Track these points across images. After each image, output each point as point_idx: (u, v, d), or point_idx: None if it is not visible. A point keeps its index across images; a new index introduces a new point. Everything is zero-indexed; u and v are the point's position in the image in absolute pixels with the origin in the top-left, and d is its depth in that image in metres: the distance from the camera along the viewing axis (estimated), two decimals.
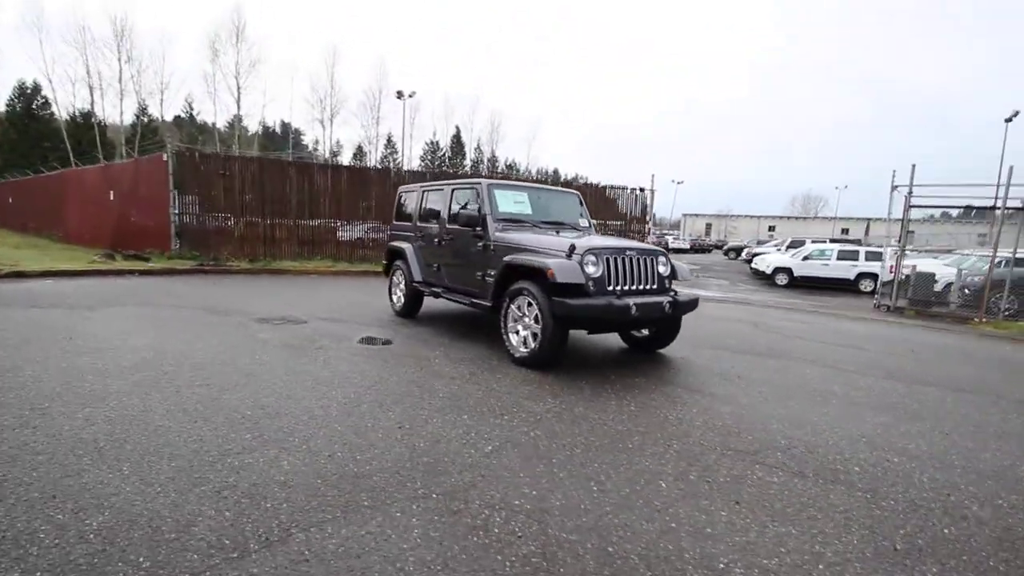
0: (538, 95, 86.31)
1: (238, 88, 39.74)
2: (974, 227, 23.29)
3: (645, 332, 5.45)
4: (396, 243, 6.99)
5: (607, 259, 4.48)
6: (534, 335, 4.50)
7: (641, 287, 4.68)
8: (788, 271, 17.41)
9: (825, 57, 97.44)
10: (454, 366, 4.52)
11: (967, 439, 3.33)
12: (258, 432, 2.93)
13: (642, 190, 14.95)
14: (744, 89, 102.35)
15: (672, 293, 4.87)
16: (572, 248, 4.39)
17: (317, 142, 55.70)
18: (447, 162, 50.65)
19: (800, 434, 3.27)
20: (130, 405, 3.25)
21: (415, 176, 14.96)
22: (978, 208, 11.66)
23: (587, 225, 5.99)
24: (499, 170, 49.56)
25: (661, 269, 4.87)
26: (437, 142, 51.36)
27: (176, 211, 11.93)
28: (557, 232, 5.26)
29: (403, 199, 7.15)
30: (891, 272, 12.56)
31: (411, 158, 48.85)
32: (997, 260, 12.93)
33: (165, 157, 11.67)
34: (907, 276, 11.41)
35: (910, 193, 11.06)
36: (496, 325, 4.96)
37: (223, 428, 2.96)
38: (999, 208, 9.60)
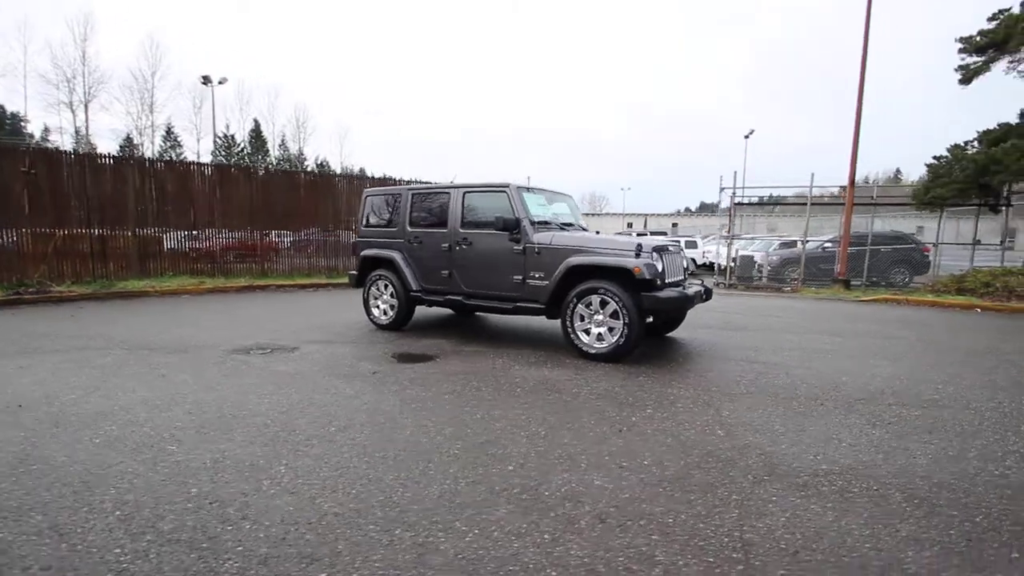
0: (349, 92, 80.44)
1: None
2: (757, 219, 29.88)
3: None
4: (374, 251, 6.38)
5: (661, 255, 4.96)
6: (610, 330, 4.74)
7: (679, 279, 5.28)
8: None
9: (603, 84, 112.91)
10: (543, 370, 4.48)
11: (952, 368, 4.71)
12: (529, 485, 2.67)
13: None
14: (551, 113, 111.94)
15: (700, 282, 5.59)
16: (640, 247, 4.75)
17: (47, 130, 43.88)
18: (246, 158, 44.79)
19: (869, 380, 4.21)
20: (320, 475, 2.60)
21: (282, 176, 13.21)
22: (786, 204, 15.24)
23: (584, 224, 6.36)
24: (308, 167, 45.77)
25: (685, 262, 5.55)
26: (233, 136, 44.88)
27: None
28: (597, 232, 5.54)
29: (375, 204, 6.53)
30: (704, 256, 15.83)
31: (200, 152, 41.87)
32: (781, 244, 17.21)
33: None
34: (734, 259, 14.44)
35: (734, 194, 14.02)
36: (502, 323, 5.03)
37: (488, 481, 2.62)
38: (807, 202, 12.85)
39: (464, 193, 5.71)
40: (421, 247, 5.99)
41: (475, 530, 2.06)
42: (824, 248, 14.74)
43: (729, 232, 14.50)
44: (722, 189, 14.14)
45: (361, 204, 6.67)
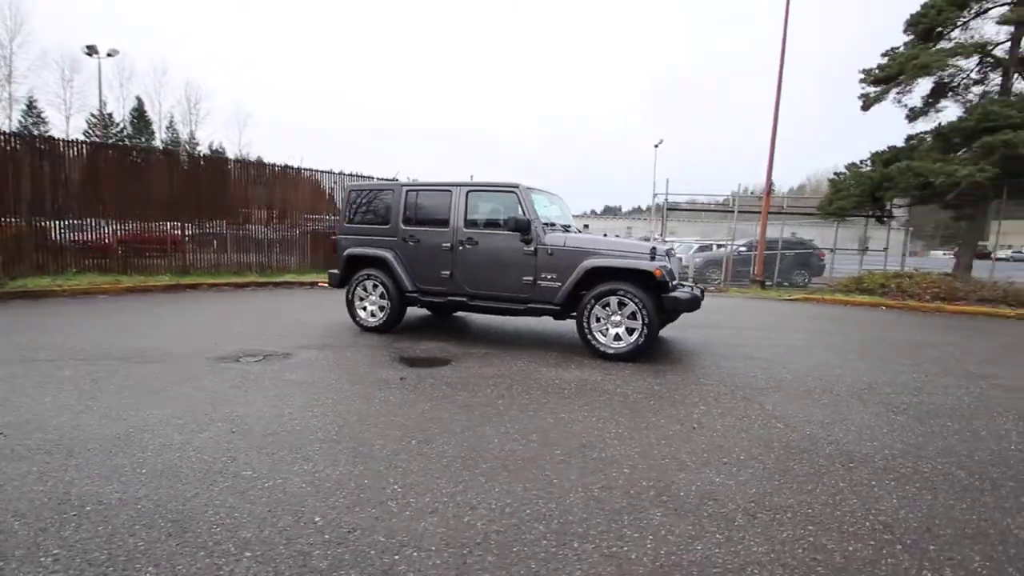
0: (249, 72, 72.24)
1: None
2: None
3: None
4: (361, 249, 6.01)
5: (668, 258, 5.20)
6: (628, 331, 4.89)
7: (679, 281, 5.57)
8: None
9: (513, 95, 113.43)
10: (571, 371, 4.50)
11: (909, 360, 5.42)
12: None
13: None
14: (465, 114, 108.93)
15: (694, 283, 5.91)
16: (654, 250, 4.95)
17: None
18: (126, 140, 39.71)
19: (857, 373, 4.73)
20: (445, 491, 2.43)
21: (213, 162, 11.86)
22: (713, 211, 16.47)
23: (575, 225, 6.47)
24: (200, 154, 41.57)
25: (681, 265, 5.85)
26: (110, 114, 39.40)
27: None
28: (605, 235, 5.65)
29: (360, 200, 6.15)
30: None
31: (70, 131, 36.33)
32: (699, 247, 18.60)
33: None
34: None
35: (666, 200, 14.98)
36: (485, 324, 5.06)
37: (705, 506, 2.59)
38: (733, 211, 14.02)
39: (468, 192, 5.57)
40: (417, 246, 5.74)
41: (648, 535, 2.06)
42: (739, 252, 16.21)
43: (662, 235, 15.46)
44: (655, 195, 15.10)
45: (344, 200, 6.25)
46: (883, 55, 12.32)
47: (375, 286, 5.95)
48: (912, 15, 11.73)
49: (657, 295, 4.84)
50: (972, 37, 11.89)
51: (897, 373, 4.77)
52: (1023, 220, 14.15)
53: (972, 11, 11.72)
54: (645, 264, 4.82)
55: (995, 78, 11.99)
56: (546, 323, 6.67)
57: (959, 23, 11.74)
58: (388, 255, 5.84)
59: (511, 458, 2.74)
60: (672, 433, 3.15)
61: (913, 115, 13.23)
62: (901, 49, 12.23)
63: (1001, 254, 36.20)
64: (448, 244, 5.57)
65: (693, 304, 4.99)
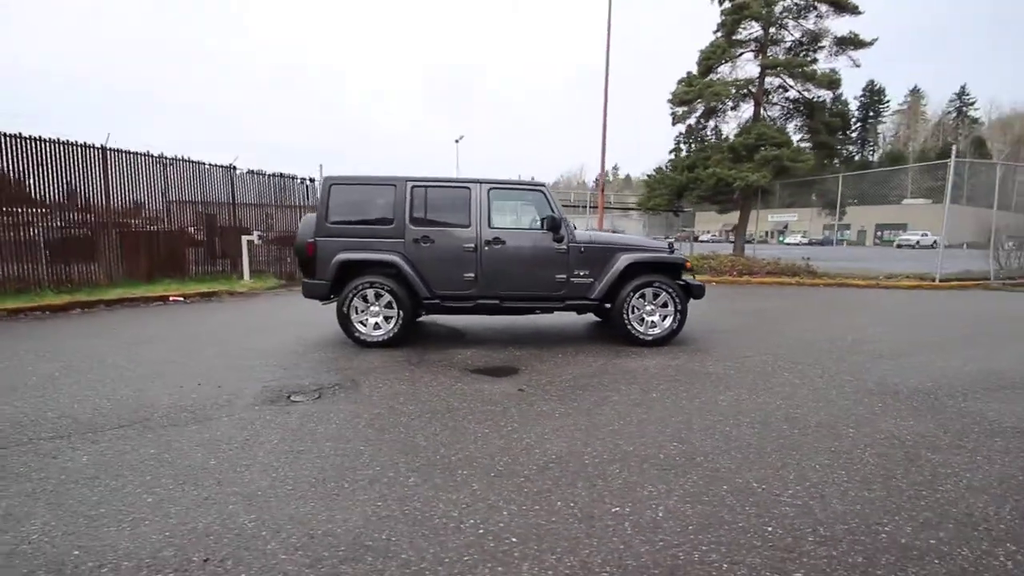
0: None
1: None
2: None
3: None
4: (359, 254, 5.12)
5: None
6: (663, 317, 5.38)
7: None
8: None
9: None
10: (649, 359, 4.74)
11: (838, 326, 7.17)
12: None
13: (311, 180, 12.98)
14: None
15: None
16: (671, 245, 5.55)
17: None
18: None
19: (834, 337, 6.15)
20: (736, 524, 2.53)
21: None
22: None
23: None
24: None
25: None
26: None
27: None
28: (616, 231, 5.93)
29: (348, 197, 5.21)
30: None
31: None
32: None
33: None
34: None
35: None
36: (483, 323, 5.29)
37: None
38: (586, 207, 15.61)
39: (490, 190, 5.26)
40: (432, 248, 5.18)
41: (994, 463, 2.59)
42: None
43: None
44: None
45: (323, 197, 5.18)
46: (679, 82, 15.38)
47: (378, 295, 5.16)
48: (703, 51, 14.95)
49: (684, 284, 5.46)
50: (732, 74, 15.77)
51: (842, 331, 6.28)
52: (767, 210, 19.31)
53: (731, 55, 15.51)
54: (677, 257, 5.39)
55: (745, 107, 16.14)
56: (536, 318, 6.70)
57: (726, 62, 15.41)
58: (396, 259, 5.13)
59: (790, 442, 2.94)
60: (832, 401, 3.78)
61: (689, 132, 16.87)
62: (688, 79, 15.46)
63: (704, 237, 47.71)
64: (471, 245, 5.19)
65: (704, 291, 5.76)
